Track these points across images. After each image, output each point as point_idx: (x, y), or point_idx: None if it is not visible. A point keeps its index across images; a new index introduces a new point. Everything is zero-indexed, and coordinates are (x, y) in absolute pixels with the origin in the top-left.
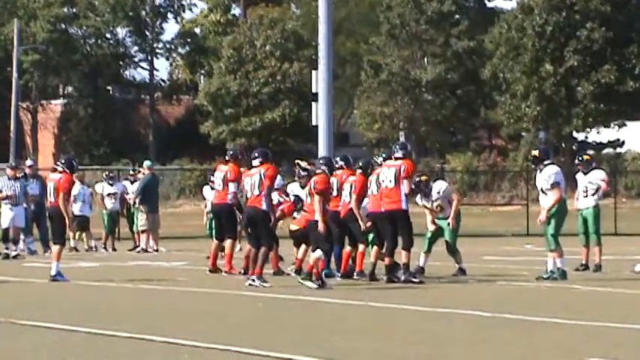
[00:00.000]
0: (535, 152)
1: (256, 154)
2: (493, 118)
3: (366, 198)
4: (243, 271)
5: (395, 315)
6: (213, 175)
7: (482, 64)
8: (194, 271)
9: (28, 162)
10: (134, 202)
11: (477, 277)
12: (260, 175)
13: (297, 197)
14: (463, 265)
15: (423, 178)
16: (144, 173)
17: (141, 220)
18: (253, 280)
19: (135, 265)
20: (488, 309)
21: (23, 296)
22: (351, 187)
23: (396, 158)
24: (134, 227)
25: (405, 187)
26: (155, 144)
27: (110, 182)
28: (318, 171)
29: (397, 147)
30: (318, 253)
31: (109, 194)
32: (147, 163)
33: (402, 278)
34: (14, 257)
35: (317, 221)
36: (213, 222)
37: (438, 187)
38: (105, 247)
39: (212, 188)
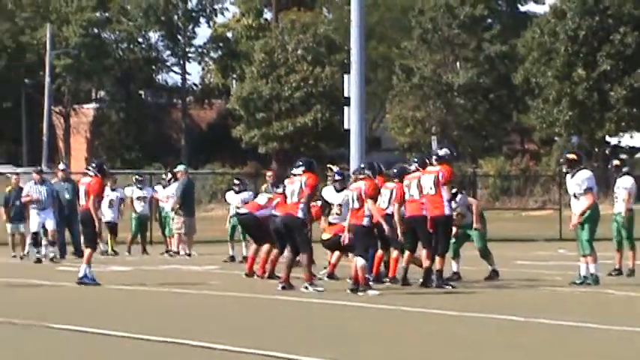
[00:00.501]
0: (572, 155)
1: (300, 163)
2: (525, 123)
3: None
4: (269, 276)
5: (428, 320)
6: (236, 180)
7: (515, 68)
8: (226, 274)
9: (61, 166)
10: (175, 207)
11: (509, 282)
12: (301, 183)
13: (325, 202)
14: (496, 267)
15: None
16: (177, 177)
17: (176, 223)
18: (306, 287)
19: (167, 269)
20: (522, 314)
21: (55, 299)
22: (392, 193)
23: (438, 163)
24: (166, 231)
25: (445, 193)
26: (187, 148)
27: (139, 186)
28: (362, 176)
29: (436, 153)
30: (362, 262)
31: (138, 198)
32: (181, 167)
33: (435, 284)
34: (51, 259)
35: (362, 226)
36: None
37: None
38: (129, 251)
39: (236, 192)
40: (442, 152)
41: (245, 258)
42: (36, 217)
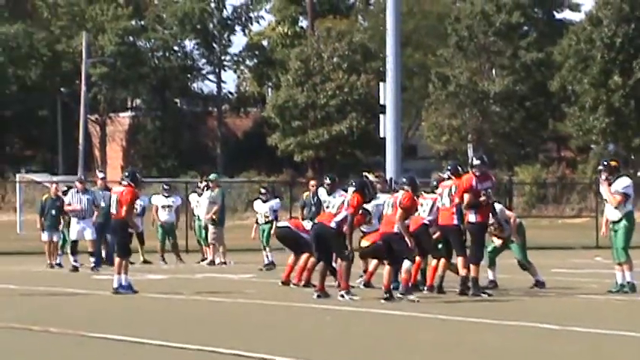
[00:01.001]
0: (614, 162)
1: (353, 183)
2: (562, 130)
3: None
4: (305, 284)
5: (463, 328)
6: (262, 189)
7: (551, 75)
8: (262, 283)
9: (100, 174)
10: (213, 217)
11: (546, 290)
12: (345, 201)
13: (366, 210)
14: (540, 278)
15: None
16: (209, 186)
17: (213, 233)
18: (342, 296)
19: (202, 278)
20: (557, 322)
21: (91, 308)
22: (433, 204)
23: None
24: (201, 239)
25: (465, 199)
26: (223, 156)
27: (166, 194)
28: (404, 189)
29: (471, 162)
30: (407, 264)
31: (163, 206)
32: (213, 175)
33: (471, 292)
34: (91, 269)
35: (397, 234)
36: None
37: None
38: (162, 260)
39: (263, 202)
40: (476, 161)
41: (266, 265)
42: (76, 225)
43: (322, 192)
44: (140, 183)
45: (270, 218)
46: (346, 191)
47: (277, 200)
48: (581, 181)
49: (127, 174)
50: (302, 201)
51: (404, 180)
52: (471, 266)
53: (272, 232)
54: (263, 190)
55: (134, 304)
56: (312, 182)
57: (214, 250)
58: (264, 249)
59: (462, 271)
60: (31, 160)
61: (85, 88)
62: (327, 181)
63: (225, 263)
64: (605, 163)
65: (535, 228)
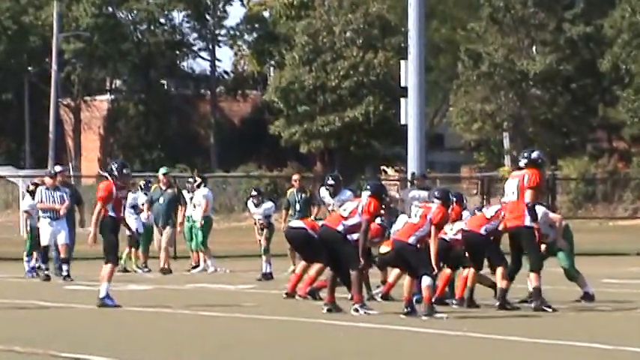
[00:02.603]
0: None
1: (368, 187)
2: (613, 117)
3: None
4: (309, 295)
5: (498, 347)
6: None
7: (601, 53)
8: (263, 294)
9: (58, 168)
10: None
11: (594, 303)
12: (359, 205)
13: (383, 224)
14: (589, 290)
15: None
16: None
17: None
18: (356, 310)
19: (193, 289)
20: (607, 341)
21: (65, 324)
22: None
23: (520, 168)
24: (193, 244)
25: (527, 197)
26: (217, 147)
27: (146, 192)
28: (436, 202)
29: (522, 156)
30: (428, 280)
31: (142, 204)
32: (164, 170)
33: (533, 305)
34: (64, 278)
35: (408, 244)
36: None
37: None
38: (144, 267)
39: (255, 205)
40: (535, 155)
41: (264, 275)
42: (47, 227)
43: (324, 193)
44: (126, 177)
45: (265, 224)
46: (353, 192)
47: (271, 204)
48: (637, 176)
49: (115, 165)
50: (286, 200)
51: (436, 193)
52: (532, 275)
53: (265, 240)
54: (254, 193)
55: (113, 319)
56: (295, 177)
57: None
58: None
59: (502, 283)
60: None
61: (57, 67)
62: (330, 181)
63: (215, 270)
64: None
65: (582, 231)
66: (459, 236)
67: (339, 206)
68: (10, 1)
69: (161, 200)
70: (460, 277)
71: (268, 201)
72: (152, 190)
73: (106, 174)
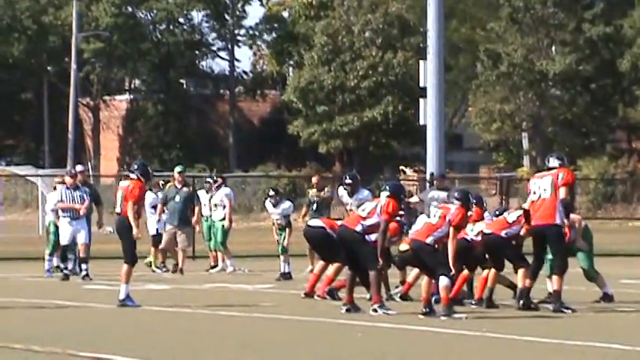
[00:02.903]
0: None
1: (387, 187)
2: (633, 117)
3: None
4: (328, 295)
5: (515, 347)
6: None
7: (621, 53)
8: (281, 294)
9: (79, 167)
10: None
11: (614, 304)
12: (378, 206)
13: (402, 221)
14: (609, 290)
15: None
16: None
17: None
18: (375, 310)
19: (212, 288)
20: (628, 342)
21: (82, 323)
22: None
23: (550, 168)
24: (211, 243)
25: (561, 193)
26: (236, 147)
27: (157, 192)
28: (455, 203)
29: (552, 156)
30: (445, 281)
31: (154, 206)
32: (180, 168)
33: (552, 308)
34: (83, 278)
35: (425, 244)
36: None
37: None
38: (163, 266)
39: (273, 205)
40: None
41: (283, 275)
42: (67, 227)
43: (342, 193)
44: (151, 177)
45: (282, 224)
46: (371, 191)
47: (289, 203)
48: None
49: (135, 166)
50: (307, 199)
51: (456, 194)
52: (555, 278)
53: (287, 240)
54: (272, 193)
55: (132, 319)
56: (315, 178)
57: (223, 255)
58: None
59: (527, 282)
60: (12, 150)
61: (76, 67)
62: (348, 180)
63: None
64: None
65: (602, 232)
66: (479, 237)
67: (357, 206)
68: (29, 0)
69: (177, 199)
70: (479, 278)
71: (286, 201)
72: (167, 188)
73: (136, 174)
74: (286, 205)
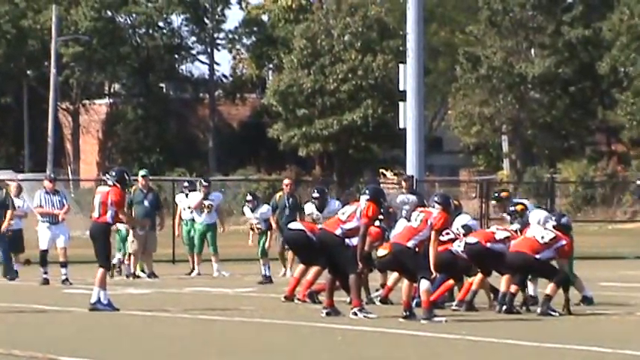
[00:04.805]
0: None
1: (366, 191)
2: (612, 120)
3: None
4: (308, 298)
5: (496, 350)
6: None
7: (600, 56)
8: (261, 298)
9: (142, 171)
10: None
11: (594, 307)
12: (358, 209)
13: (383, 226)
14: (588, 293)
15: (518, 207)
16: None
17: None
18: (355, 314)
19: (192, 292)
20: (608, 344)
21: (62, 327)
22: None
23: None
24: (195, 248)
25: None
26: (215, 150)
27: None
28: (436, 207)
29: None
30: (426, 284)
31: None
32: (144, 172)
33: (539, 311)
34: (63, 282)
35: (407, 247)
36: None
37: (537, 216)
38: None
39: (251, 210)
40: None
41: (265, 277)
42: (46, 231)
43: (310, 209)
44: (128, 184)
45: (262, 228)
46: (342, 201)
47: (267, 207)
48: (636, 179)
49: (113, 173)
50: (273, 202)
51: (436, 198)
52: (552, 285)
53: (267, 243)
54: (249, 197)
55: (112, 323)
56: (287, 181)
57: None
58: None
59: (512, 288)
60: None
61: (55, 71)
62: (315, 194)
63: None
64: None
65: (581, 234)
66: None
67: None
68: (8, 4)
69: (145, 203)
70: (465, 282)
71: (264, 204)
72: (132, 192)
73: (113, 180)
74: (264, 209)
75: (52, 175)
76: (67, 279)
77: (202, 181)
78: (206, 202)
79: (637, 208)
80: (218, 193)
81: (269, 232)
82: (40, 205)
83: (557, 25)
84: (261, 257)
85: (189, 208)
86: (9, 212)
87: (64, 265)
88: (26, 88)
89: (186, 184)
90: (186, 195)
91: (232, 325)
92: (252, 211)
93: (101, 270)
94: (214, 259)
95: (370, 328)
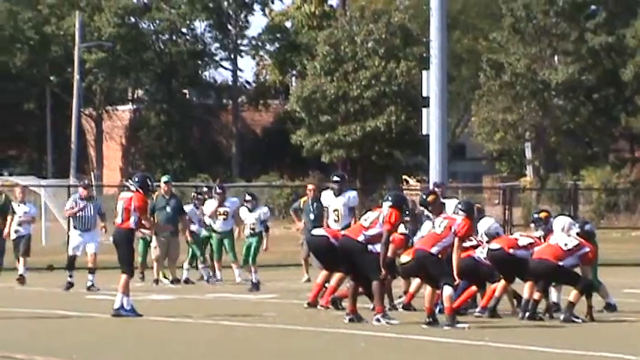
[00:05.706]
0: None
1: (389, 197)
2: (636, 127)
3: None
4: (331, 304)
5: (519, 357)
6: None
7: (623, 63)
8: (284, 304)
9: (165, 177)
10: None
11: (617, 313)
12: (380, 216)
13: (406, 233)
14: (611, 300)
15: (542, 215)
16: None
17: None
18: (378, 320)
19: (214, 298)
20: (632, 351)
21: (85, 333)
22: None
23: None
24: (215, 255)
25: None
26: (239, 157)
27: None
28: (460, 214)
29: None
30: (449, 290)
31: None
32: (166, 177)
33: (562, 317)
34: (89, 288)
35: (430, 254)
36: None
37: (561, 223)
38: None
39: (249, 210)
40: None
41: (253, 284)
42: (77, 238)
43: (327, 195)
44: (151, 190)
45: (257, 230)
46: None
47: (266, 209)
48: None
49: (136, 179)
50: (298, 204)
51: (460, 205)
52: (575, 292)
53: (262, 247)
54: (248, 197)
55: (135, 329)
56: (311, 186)
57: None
58: (249, 265)
59: (535, 295)
60: (15, 160)
61: (79, 77)
62: (336, 177)
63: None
64: None
65: (604, 241)
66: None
67: (343, 204)
68: (32, 11)
69: (168, 209)
70: (488, 288)
71: (264, 206)
72: (155, 198)
73: (135, 186)
74: (264, 209)
75: (87, 182)
76: (92, 284)
77: (217, 187)
78: (221, 210)
79: None
80: (235, 199)
81: (266, 235)
82: (72, 208)
83: (580, 32)
84: (252, 264)
85: (203, 215)
86: (9, 217)
87: (92, 271)
88: (49, 94)
89: (193, 193)
90: (196, 206)
91: (255, 331)
92: (251, 211)
93: (124, 276)
94: (235, 266)
95: (393, 334)
